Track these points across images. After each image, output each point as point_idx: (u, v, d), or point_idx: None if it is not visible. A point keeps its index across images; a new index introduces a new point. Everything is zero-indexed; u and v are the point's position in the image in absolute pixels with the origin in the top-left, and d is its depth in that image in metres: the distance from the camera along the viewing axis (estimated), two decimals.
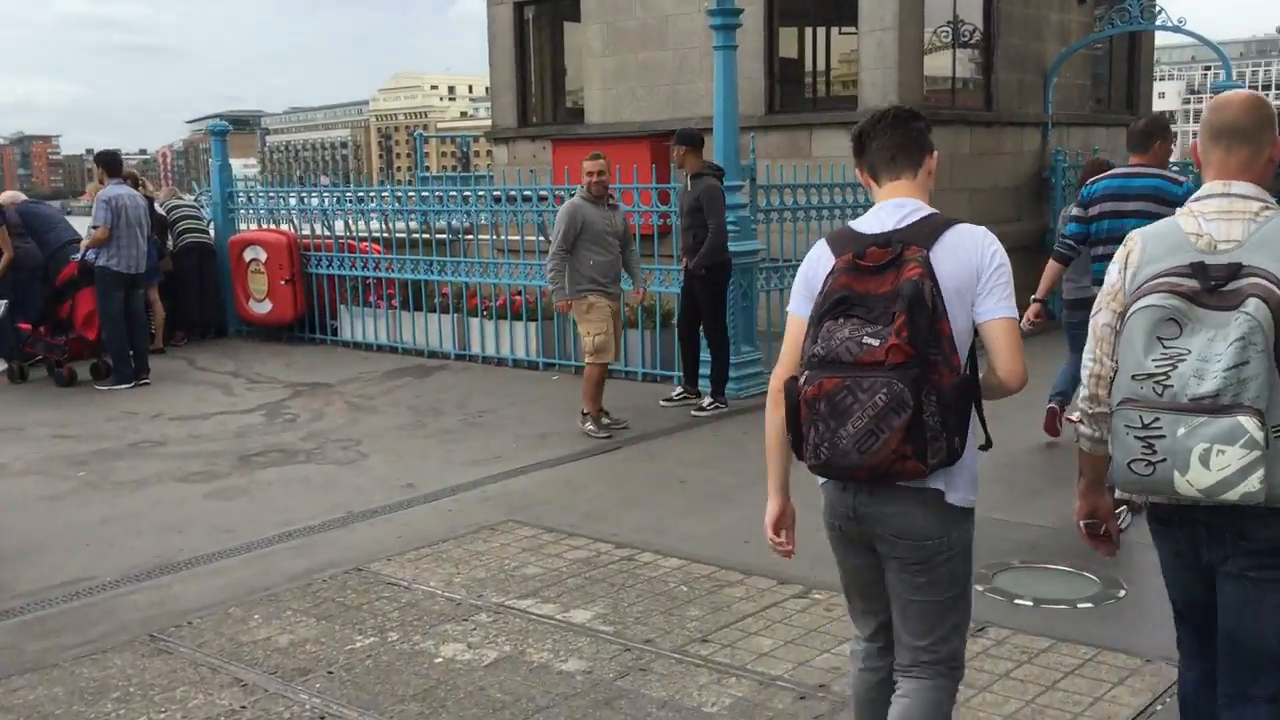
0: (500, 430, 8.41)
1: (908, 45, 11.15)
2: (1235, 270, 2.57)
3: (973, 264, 2.75)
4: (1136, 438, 2.57)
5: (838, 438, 2.63)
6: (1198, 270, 2.60)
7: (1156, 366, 2.56)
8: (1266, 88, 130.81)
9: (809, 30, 12.46)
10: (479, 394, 9.69)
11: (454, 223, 11.58)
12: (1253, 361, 2.47)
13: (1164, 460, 2.54)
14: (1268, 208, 2.69)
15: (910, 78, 11.21)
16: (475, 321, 11.03)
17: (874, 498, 2.76)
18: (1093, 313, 2.89)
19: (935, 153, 2.96)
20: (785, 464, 2.94)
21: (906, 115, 2.93)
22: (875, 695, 3.04)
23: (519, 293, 10.78)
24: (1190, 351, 2.53)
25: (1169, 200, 6.04)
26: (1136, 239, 2.80)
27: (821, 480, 2.88)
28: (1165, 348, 2.56)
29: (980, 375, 2.79)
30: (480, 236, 11.53)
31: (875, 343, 2.60)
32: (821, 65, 12.41)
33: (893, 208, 2.85)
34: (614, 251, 8.11)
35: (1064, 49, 13.35)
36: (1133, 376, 2.60)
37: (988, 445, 2.88)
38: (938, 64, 12.24)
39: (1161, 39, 16.13)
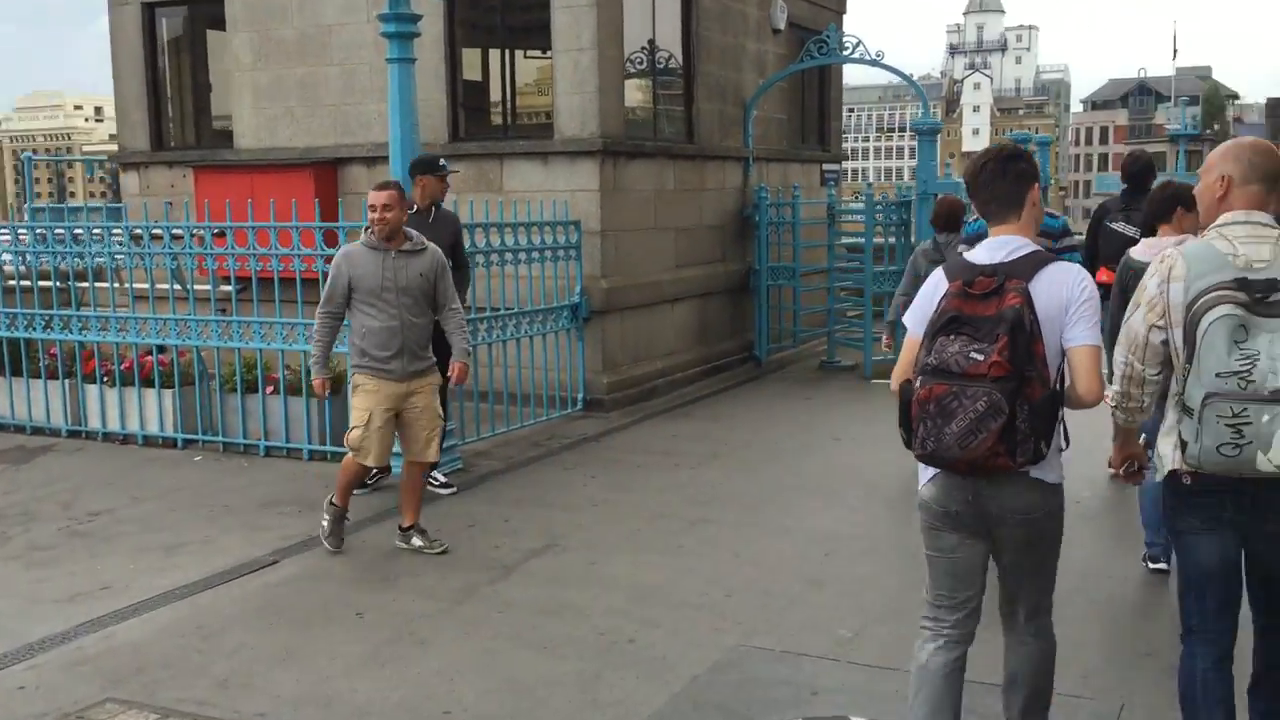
0: (116, 542, 6.44)
1: (608, 68, 10.02)
2: (1274, 284, 3.07)
3: (1064, 297, 3.21)
4: (1227, 425, 3.03)
5: (943, 434, 3.11)
6: (1243, 285, 3.08)
7: (1240, 365, 3.02)
8: (903, 130, 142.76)
9: (497, 52, 11.08)
10: (93, 486, 7.61)
11: (64, 265, 9.32)
12: None
13: (1250, 443, 3.02)
14: None
15: (611, 104, 10.09)
16: (94, 389, 8.88)
17: (991, 483, 3.24)
18: (1125, 319, 3.35)
19: (1037, 183, 3.37)
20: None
21: (1004, 163, 3.34)
22: (949, 670, 3.44)
23: (149, 352, 8.74)
24: (1260, 352, 3.02)
25: (1047, 232, 6.77)
26: (1176, 257, 3.24)
27: (925, 480, 3.38)
28: (1241, 350, 3.03)
29: (1064, 389, 3.27)
30: (97, 284, 9.32)
31: (980, 358, 3.07)
32: (512, 90, 11.07)
33: (999, 244, 3.30)
34: (402, 315, 6.00)
35: (763, 80, 12.73)
36: (1218, 375, 3.04)
37: (1066, 446, 3.37)
38: (637, 92, 11.23)
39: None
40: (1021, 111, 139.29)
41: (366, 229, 6.14)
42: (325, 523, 6.22)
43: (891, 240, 12.14)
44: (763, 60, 12.98)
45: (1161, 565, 5.61)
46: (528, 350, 9.04)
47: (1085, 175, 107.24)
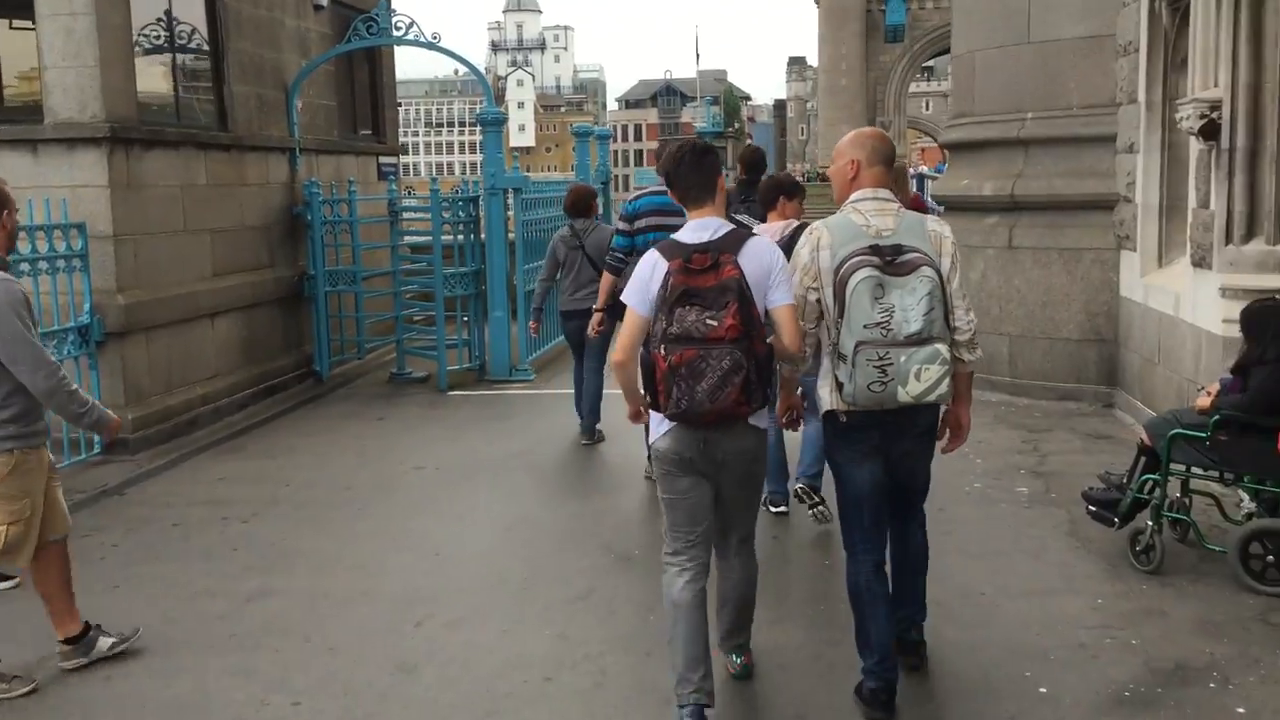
0: None
1: (111, 38, 8.25)
2: (899, 249, 3.81)
3: (766, 265, 3.81)
4: (875, 367, 3.73)
5: (695, 392, 3.63)
6: (876, 250, 3.80)
7: (880, 317, 3.72)
8: (450, 124, 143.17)
9: None
10: None
11: None
12: (936, 308, 3.75)
13: (892, 380, 3.75)
14: (900, 206, 3.99)
15: (118, 82, 8.33)
16: None
17: (717, 431, 3.80)
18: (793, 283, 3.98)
19: (723, 171, 4.09)
20: (640, 393, 3.94)
21: (699, 156, 3.97)
22: (699, 601, 3.93)
23: None
24: (895, 305, 3.73)
25: (668, 208, 6.87)
26: (822, 229, 3.97)
27: (664, 430, 3.86)
28: (880, 304, 3.73)
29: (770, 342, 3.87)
30: None
31: (715, 323, 3.61)
32: None
33: (703, 225, 3.88)
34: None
35: (307, 61, 11.33)
36: (864, 326, 3.73)
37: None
38: (155, 71, 9.47)
39: None
40: (563, 108, 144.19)
41: None
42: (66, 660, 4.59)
43: (461, 238, 11.19)
44: (305, 39, 11.57)
45: (783, 509, 6.38)
46: None
47: (624, 170, 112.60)
